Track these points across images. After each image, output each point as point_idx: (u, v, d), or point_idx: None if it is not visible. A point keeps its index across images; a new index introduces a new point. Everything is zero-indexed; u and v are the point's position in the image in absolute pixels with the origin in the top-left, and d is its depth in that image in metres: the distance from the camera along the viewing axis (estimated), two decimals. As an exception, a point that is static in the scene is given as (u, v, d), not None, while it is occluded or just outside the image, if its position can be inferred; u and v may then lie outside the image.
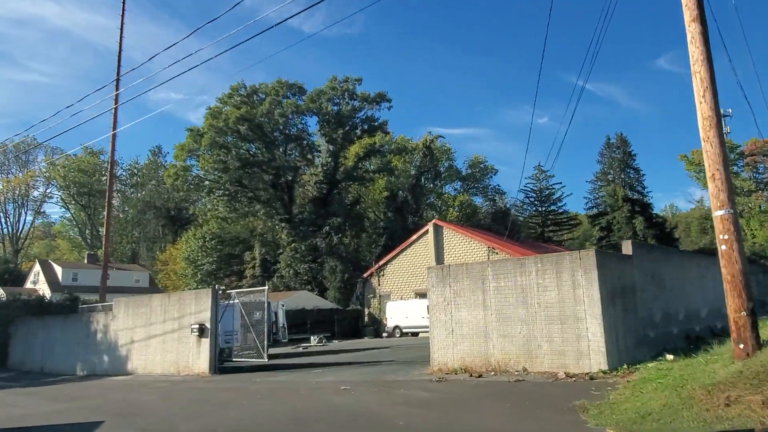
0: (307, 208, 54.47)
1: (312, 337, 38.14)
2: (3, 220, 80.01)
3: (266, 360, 17.68)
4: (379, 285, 48.65)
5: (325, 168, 54.61)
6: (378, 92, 52.35)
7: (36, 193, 79.98)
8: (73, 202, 79.68)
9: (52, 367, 25.44)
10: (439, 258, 45.44)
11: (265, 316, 18.50)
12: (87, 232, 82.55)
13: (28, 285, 51.21)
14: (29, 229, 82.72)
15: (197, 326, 18.62)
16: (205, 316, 18.75)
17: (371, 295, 49.20)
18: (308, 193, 56.63)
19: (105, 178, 77.57)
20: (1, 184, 78.17)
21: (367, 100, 51.99)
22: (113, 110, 27.93)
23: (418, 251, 46.96)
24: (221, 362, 18.89)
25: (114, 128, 28.69)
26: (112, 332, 22.48)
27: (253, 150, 53.76)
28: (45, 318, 26.93)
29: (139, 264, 65.54)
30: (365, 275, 50.08)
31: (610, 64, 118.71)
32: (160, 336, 20.32)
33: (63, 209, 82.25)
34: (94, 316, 23.65)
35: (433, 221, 47.14)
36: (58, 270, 50.94)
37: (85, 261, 55.45)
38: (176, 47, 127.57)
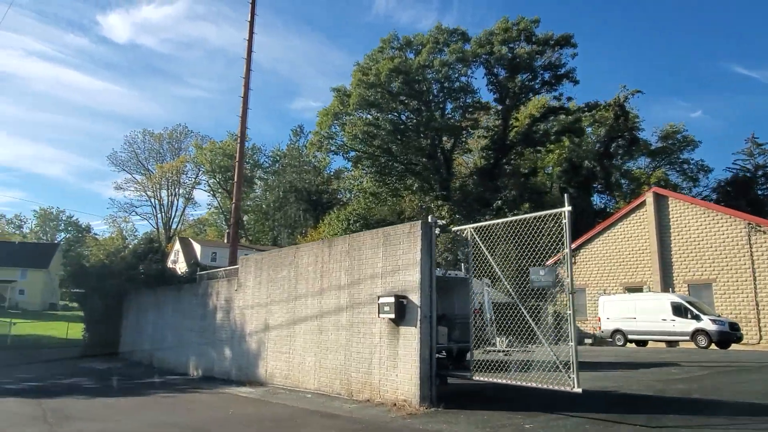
0: (470, 182, 43.67)
1: (497, 339, 27.25)
2: (158, 207, 79.51)
3: (576, 388, 6.92)
4: (568, 276, 36.30)
5: (492, 132, 43.47)
6: (562, 34, 40.11)
7: (186, 180, 78.42)
8: (219, 189, 76.85)
9: (162, 360, 17.15)
10: (663, 239, 32.16)
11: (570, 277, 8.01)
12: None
13: (169, 264, 46.32)
14: (180, 215, 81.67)
15: (391, 301, 8.51)
16: (408, 280, 8.58)
17: (556, 289, 36.92)
18: (471, 163, 45.84)
19: (249, 163, 73.87)
20: (156, 170, 77.41)
21: (548, 44, 39.92)
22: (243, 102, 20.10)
23: (628, 231, 33.96)
24: (439, 378, 8.52)
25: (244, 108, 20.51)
26: (237, 311, 13.32)
27: (406, 114, 44.05)
28: (157, 291, 18.90)
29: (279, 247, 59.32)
30: (548, 263, 37.92)
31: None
32: (314, 320, 10.58)
33: (210, 197, 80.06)
34: (213, 287, 14.77)
35: (652, 190, 33.86)
36: (197, 248, 45.64)
37: (225, 241, 49.84)
38: (314, 56, 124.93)
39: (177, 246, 49.26)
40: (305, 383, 10.48)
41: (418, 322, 8.30)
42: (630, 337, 27.18)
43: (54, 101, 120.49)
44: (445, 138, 44.49)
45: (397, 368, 8.50)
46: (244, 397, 10.24)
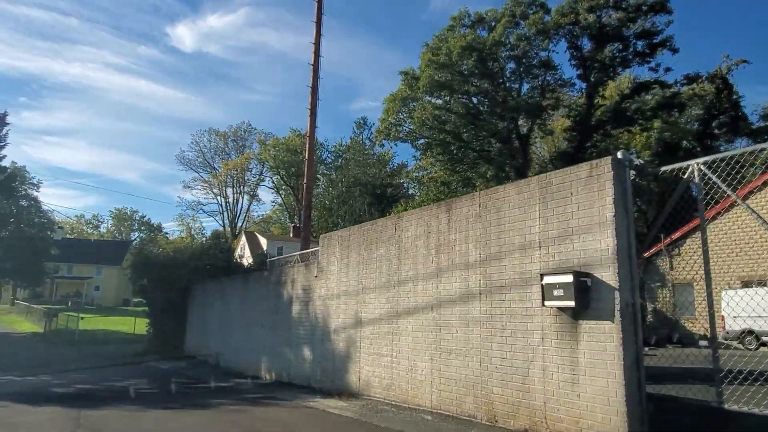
0: (550, 167, 39.55)
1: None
2: (224, 205, 79.82)
3: None
4: (671, 269, 31.81)
5: (575, 112, 39.24)
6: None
7: (250, 177, 78.32)
8: (283, 185, 76.16)
9: (229, 359, 14.82)
10: (794, 224, 27.03)
11: None
12: (296, 218, 78.82)
13: (235, 258, 45.10)
14: (245, 212, 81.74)
15: (568, 281, 5.46)
16: (591, 249, 5.51)
17: (657, 284, 32.56)
18: (544, 152, 41.75)
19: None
20: (222, 168, 77.75)
21: (641, 10, 35.30)
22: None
23: (745, 217, 29.14)
24: (650, 402, 5.42)
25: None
26: (318, 302, 10.64)
27: (478, 98, 40.57)
28: (222, 282, 16.66)
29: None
30: (646, 254, 33.49)
31: None
32: (427, 311, 7.68)
33: (274, 194, 79.59)
34: (286, 274, 12.19)
35: (780, 166, 28.93)
36: (263, 242, 44.19)
37: (291, 235, 48.25)
38: (371, 57, 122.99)
39: (243, 240, 48.12)
40: (417, 397, 7.60)
41: (617, 313, 5.21)
42: (765, 339, 22.73)
43: (128, 110, 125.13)
44: (521, 121, 40.74)
45: (577, 384, 5.45)
46: (337, 416, 7.48)
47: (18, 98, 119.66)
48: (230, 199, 78.82)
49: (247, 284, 14.61)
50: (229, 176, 76.39)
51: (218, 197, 78.44)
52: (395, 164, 69.84)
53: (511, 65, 39.39)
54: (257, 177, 77.93)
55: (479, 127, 40.03)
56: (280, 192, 78.68)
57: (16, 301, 50.46)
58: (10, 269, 49.49)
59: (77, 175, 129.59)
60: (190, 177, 78.88)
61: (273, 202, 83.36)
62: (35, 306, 39.17)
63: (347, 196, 66.23)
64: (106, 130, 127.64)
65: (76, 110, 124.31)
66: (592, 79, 37.61)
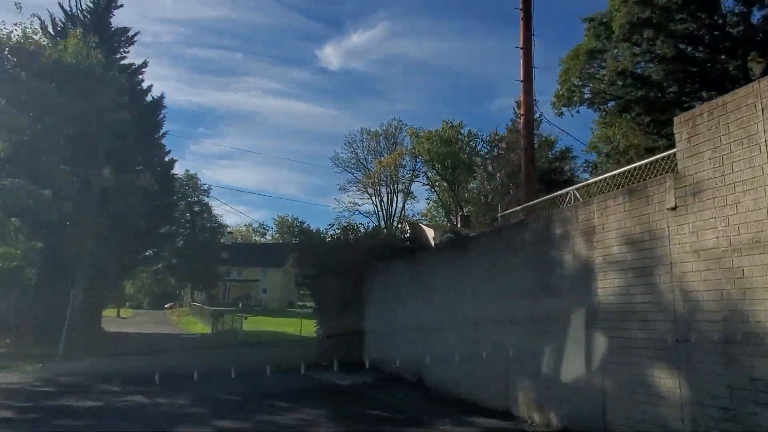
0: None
1: None
2: (378, 205, 77.62)
3: None
4: None
5: (844, 36, 28.06)
6: None
7: (403, 174, 74.88)
8: (437, 179, 71.44)
9: (441, 376, 9.24)
10: None
11: None
12: (452, 217, 73.70)
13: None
14: (401, 211, 78.61)
15: None
16: None
17: None
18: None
19: (466, 151, 67.45)
20: (375, 166, 75.57)
21: None
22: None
23: None
24: None
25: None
26: (693, 264, 4.44)
27: (685, 42, 31.21)
28: (416, 258, 11.28)
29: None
30: None
31: None
32: None
33: (429, 191, 75.15)
34: (566, 220, 6.24)
35: None
36: (429, 232, 38.98)
37: (458, 224, 42.68)
38: (505, 53, 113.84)
39: (407, 230, 43.88)
40: None
41: None
42: None
43: (286, 130, 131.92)
44: (750, 62, 30.48)
45: None
46: None
47: (197, 129, 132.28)
48: (384, 199, 76.21)
49: (467, 255, 8.93)
50: (382, 175, 73.74)
51: (373, 197, 76.35)
52: (557, 150, 61.32)
53: (738, -11, 29.40)
54: (410, 173, 74.29)
55: (691, 75, 30.64)
56: (435, 188, 74.16)
57: (192, 303, 51.82)
58: (188, 272, 51.03)
59: (247, 193, 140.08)
60: (345, 179, 78.02)
61: (428, 199, 78.85)
62: (206, 307, 38.59)
63: (508, 186, 59.21)
64: (268, 149, 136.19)
65: (243, 135, 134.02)
66: None
